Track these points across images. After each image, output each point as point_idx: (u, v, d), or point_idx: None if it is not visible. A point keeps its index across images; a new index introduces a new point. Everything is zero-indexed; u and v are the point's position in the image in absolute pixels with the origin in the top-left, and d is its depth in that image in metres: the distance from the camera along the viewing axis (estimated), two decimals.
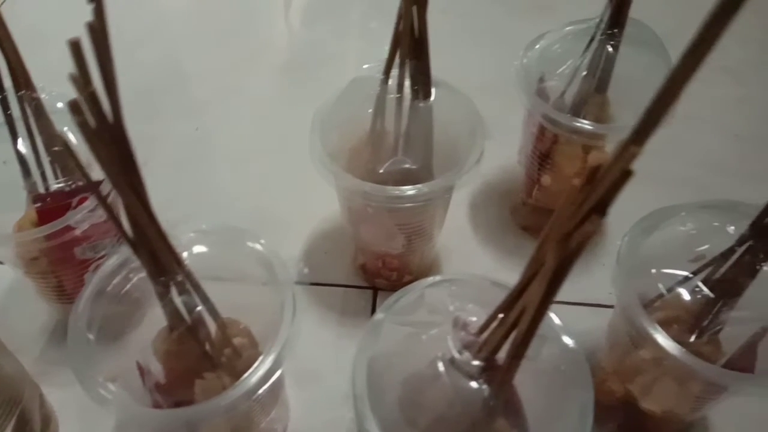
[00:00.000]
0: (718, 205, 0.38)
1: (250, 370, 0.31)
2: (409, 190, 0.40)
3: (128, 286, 0.34)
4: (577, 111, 0.46)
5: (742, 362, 0.35)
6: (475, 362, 0.28)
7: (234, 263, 0.36)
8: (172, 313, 0.32)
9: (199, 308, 0.32)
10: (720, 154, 0.63)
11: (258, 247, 0.36)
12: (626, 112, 0.47)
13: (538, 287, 0.22)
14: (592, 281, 0.50)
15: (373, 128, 0.45)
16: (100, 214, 0.41)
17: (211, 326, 0.34)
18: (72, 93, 0.22)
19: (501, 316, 0.27)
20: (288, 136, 0.47)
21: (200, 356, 0.34)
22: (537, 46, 0.48)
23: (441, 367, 0.29)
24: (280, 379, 0.39)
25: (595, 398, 0.29)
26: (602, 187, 0.18)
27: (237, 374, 0.32)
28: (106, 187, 0.37)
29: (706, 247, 0.37)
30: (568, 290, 0.54)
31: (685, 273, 0.37)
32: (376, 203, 0.42)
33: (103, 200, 0.28)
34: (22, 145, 0.41)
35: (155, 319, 0.33)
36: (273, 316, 0.33)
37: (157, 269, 0.30)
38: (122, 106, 0.24)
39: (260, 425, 0.38)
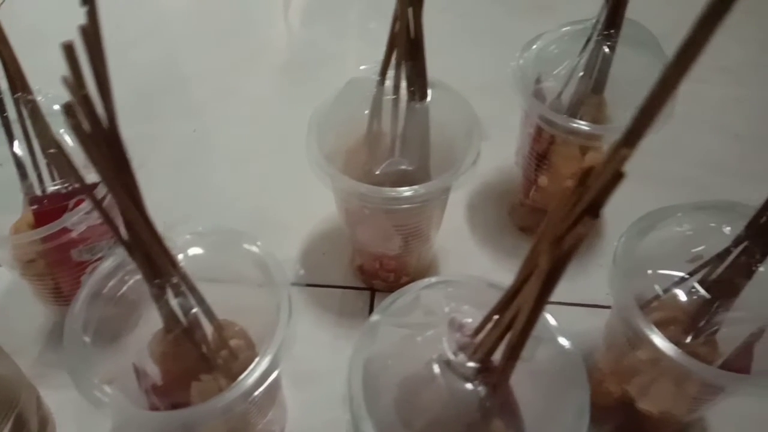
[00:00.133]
0: (715, 205, 0.38)
1: (246, 372, 0.31)
2: (406, 191, 0.40)
3: (124, 288, 0.34)
4: (573, 112, 0.46)
5: (739, 363, 0.35)
6: (471, 364, 0.28)
7: (230, 265, 0.36)
8: (168, 315, 0.32)
9: (194, 310, 0.32)
10: (719, 155, 0.63)
11: (254, 249, 0.36)
12: (623, 113, 0.46)
13: (532, 289, 0.22)
14: (589, 282, 0.50)
15: (370, 129, 0.45)
16: (97, 216, 0.41)
17: (208, 328, 0.34)
18: (69, 95, 0.22)
19: (496, 317, 0.27)
20: (287, 137, 0.47)
21: (196, 358, 0.34)
22: (534, 47, 0.48)
23: (436, 368, 0.29)
24: (277, 381, 0.39)
25: (592, 399, 0.29)
26: (594, 189, 0.18)
27: (233, 376, 0.31)
28: (101, 190, 0.37)
29: (702, 247, 0.37)
30: (565, 291, 0.54)
31: (681, 274, 0.37)
32: (373, 205, 0.42)
33: (97, 203, 0.28)
34: (19, 148, 0.41)
35: (151, 321, 0.33)
36: (269, 317, 0.33)
37: (153, 271, 0.30)
38: (116, 108, 0.24)
39: (257, 427, 0.38)
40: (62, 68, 0.22)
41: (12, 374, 0.38)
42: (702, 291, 0.36)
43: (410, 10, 0.37)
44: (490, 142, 0.44)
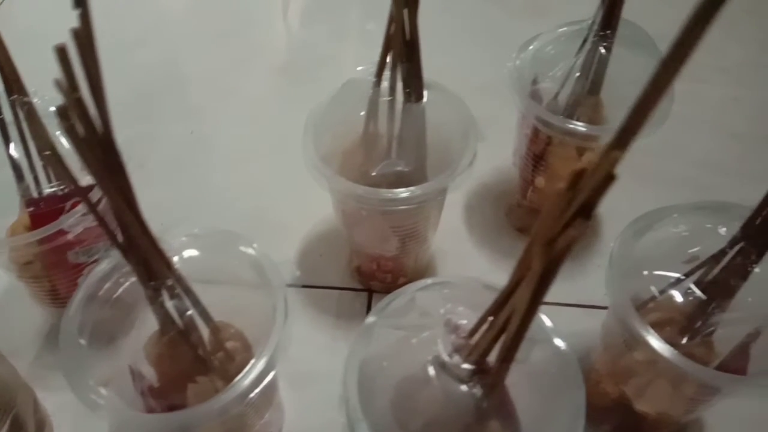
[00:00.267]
0: (711, 206, 0.38)
1: (242, 374, 0.31)
2: (403, 192, 0.40)
3: (120, 290, 0.34)
4: (570, 113, 0.46)
5: (735, 364, 0.35)
6: (466, 365, 0.28)
7: (226, 267, 0.36)
8: (164, 318, 0.32)
9: (190, 312, 0.32)
10: (719, 155, 0.63)
11: (250, 250, 0.36)
12: (620, 114, 0.46)
13: (526, 291, 0.22)
14: (587, 282, 0.50)
15: (366, 131, 0.45)
16: (93, 218, 0.41)
17: (204, 330, 0.34)
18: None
19: (491, 319, 0.27)
20: (285, 138, 0.47)
21: (192, 360, 0.34)
22: (530, 48, 0.48)
23: (432, 370, 0.29)
24: (273, 382, 0.39)
25: (589, 400, 0.29)
26: (586, 191, 0.18)
27: (230, 378, 0.31)
28: (97, 193, 0.37)
29: (698, 248, 0.37)
30: (563, 291, 0.54)
31: (677, 275, 0.37)
32: (370, 206, 0.42)
33: (92, 205, 0.28)
34: (15, 150, 0.41)
35: (147, 323, 0.33)
36: (266, 319, 0.33)
37: (147, 274, 0.30)
38: (111, 110, 0.24)
39: (254, 428, 0.38)
40: (58, 70, 0.22)
41: (8, 376, 0.38)
42: (698, 292, 0.36)
43: (405, 12, 0.37)
44: (488, 143, 0.44)
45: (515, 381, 0.28)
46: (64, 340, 0.32)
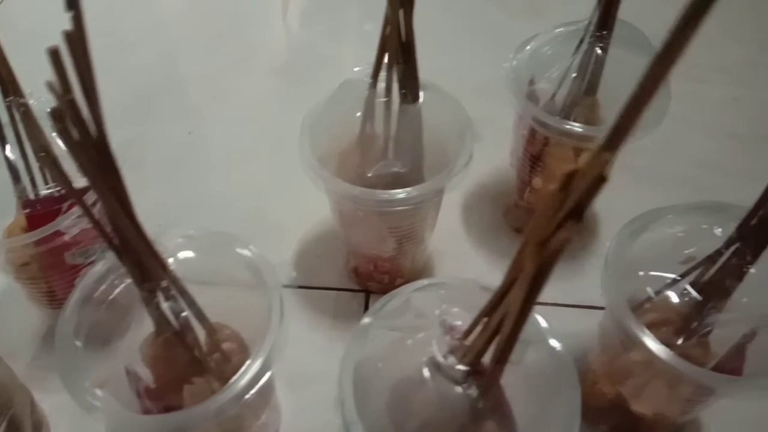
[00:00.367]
0: (707, 206, 0.38)
1: (238, 374, 0.31)
2: (399, 193, 0.40)
3: (115, 292, 0.34)
4: (567, 113, 0.46)
5: (731, 364, 0.35)
6: (460, 367, 0.28)
7: (222, 268, 0.36)
8: (159, 319, 0.32)
9: (185, 313, 0.32)
10: (718, 155, 0.63)
11: (246, 251, 0.36)
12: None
13: (519, 292, 0.22)
14: (584, 283, 0.50)
15: (363, 132, 0.45)
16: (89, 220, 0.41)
17: (200, 331, 0.34)
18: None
19: (485, 320, 0.27)
20: (283, 139, 0.47)
21: (188, 361, 0.34)
22: (527, 48, 0.48)
23: (427, 371, 0.29)
24: (270, 383, 0.39)
25: (586, 400, 0.29)
26: (577, 192, 0.18)
27: (226, 379, 0.31)
28: (92, 195, 0.37)
29: (694, 249, 0.37)
30: (561, 292, 0.54)
31: (673, 275, 0.37)
32: (367, 207, 0.42)
33: (86, 207, 0.28)
34: (11, 151, 0.42)
35: (143, 324, 0.33)
36: (261, 320, 0.33)
37: (143, 275, 0.30)
38: (104, 112, 0.24)
39: (251, 429, 0.38)
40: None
41: (5, 377, 0.38)
42: (694, 293, 0.36)
43: (401, 13, 0.37)
44: (485, 144, 0.44)
45: (511, 382, 0.28)
46: (60, 341, 0.32)
